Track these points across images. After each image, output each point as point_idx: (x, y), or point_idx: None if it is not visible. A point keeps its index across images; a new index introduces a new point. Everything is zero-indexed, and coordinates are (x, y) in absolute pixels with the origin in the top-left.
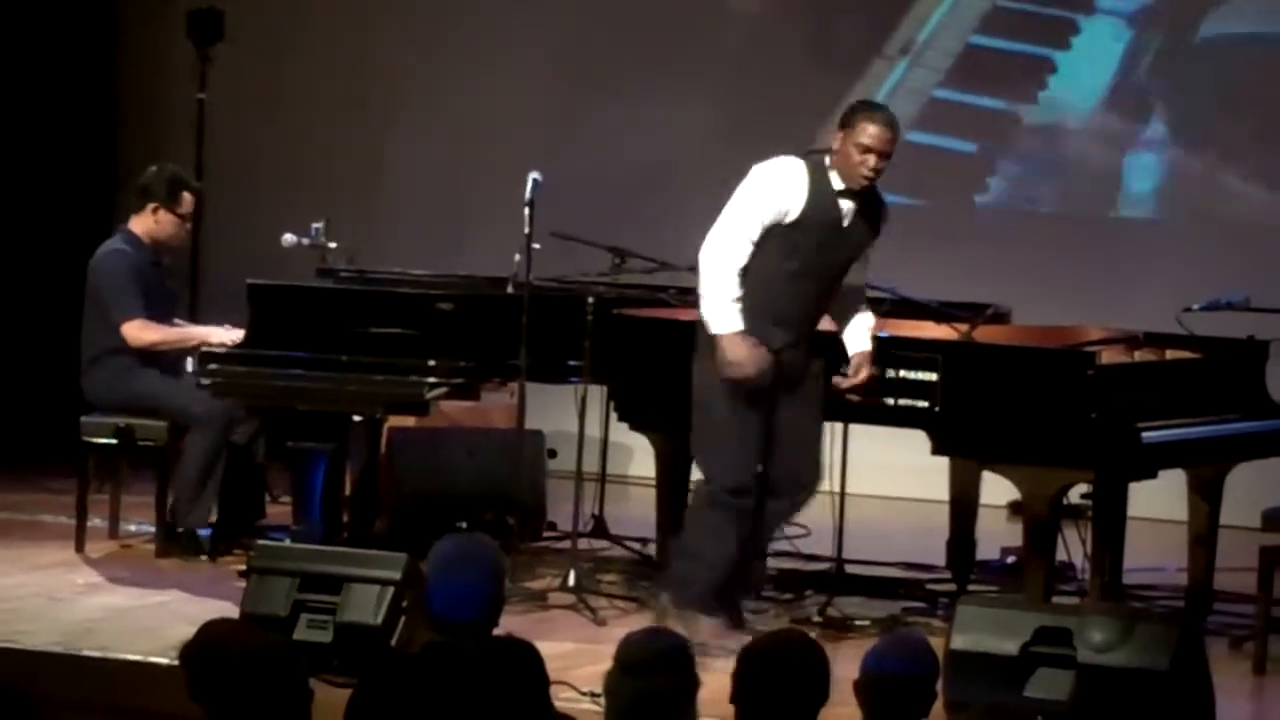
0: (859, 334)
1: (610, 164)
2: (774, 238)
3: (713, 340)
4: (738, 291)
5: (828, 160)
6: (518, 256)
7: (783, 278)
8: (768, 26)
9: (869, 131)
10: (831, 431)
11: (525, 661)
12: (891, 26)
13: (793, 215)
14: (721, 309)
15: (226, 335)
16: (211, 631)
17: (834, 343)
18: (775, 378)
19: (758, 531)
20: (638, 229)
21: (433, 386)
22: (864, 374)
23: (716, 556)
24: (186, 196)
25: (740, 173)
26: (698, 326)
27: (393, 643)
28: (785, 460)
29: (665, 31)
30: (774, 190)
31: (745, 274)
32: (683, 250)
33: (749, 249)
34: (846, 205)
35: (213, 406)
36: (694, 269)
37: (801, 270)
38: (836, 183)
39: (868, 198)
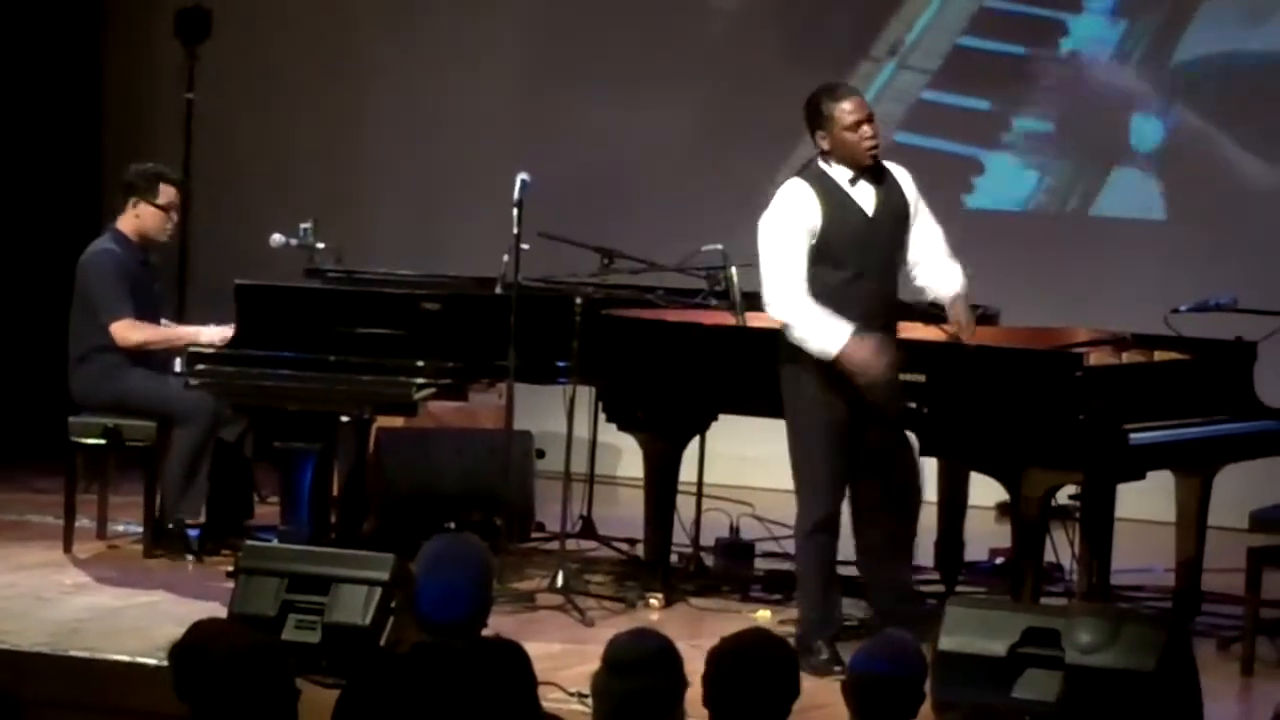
0: (948, 283)
1: (593, 163)
2: (817, 258)
3: (796, 373)
4: (820, 310)
5: (822, 164)
6: (506, 257)
7: (842, 288)
8: (749, 25)
9: (845, 108)
10: None
11: (512, 662)
12: (876, 27)
13: (816, 233)
14: (820, 333)
15: (215, 334)
16: (199, 631)
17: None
18: (849, 399)
19: (882, 564)
20: (621, 227)
21: (421, 387)
22: (963, 319)
23: (815, 589)
24: (164, 187)
25: (721, 171)
26: (780, 370)
27: (381, 643)
28: (876, 478)
29: (648, 30)
30: (791, 222)
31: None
32: (665, 248)
33: (803, 280)
34: (863, 193)
35: (200, 401)
36: (680, 269)
37: (856, 274)
38: (843, 177)
39: (879, 177)
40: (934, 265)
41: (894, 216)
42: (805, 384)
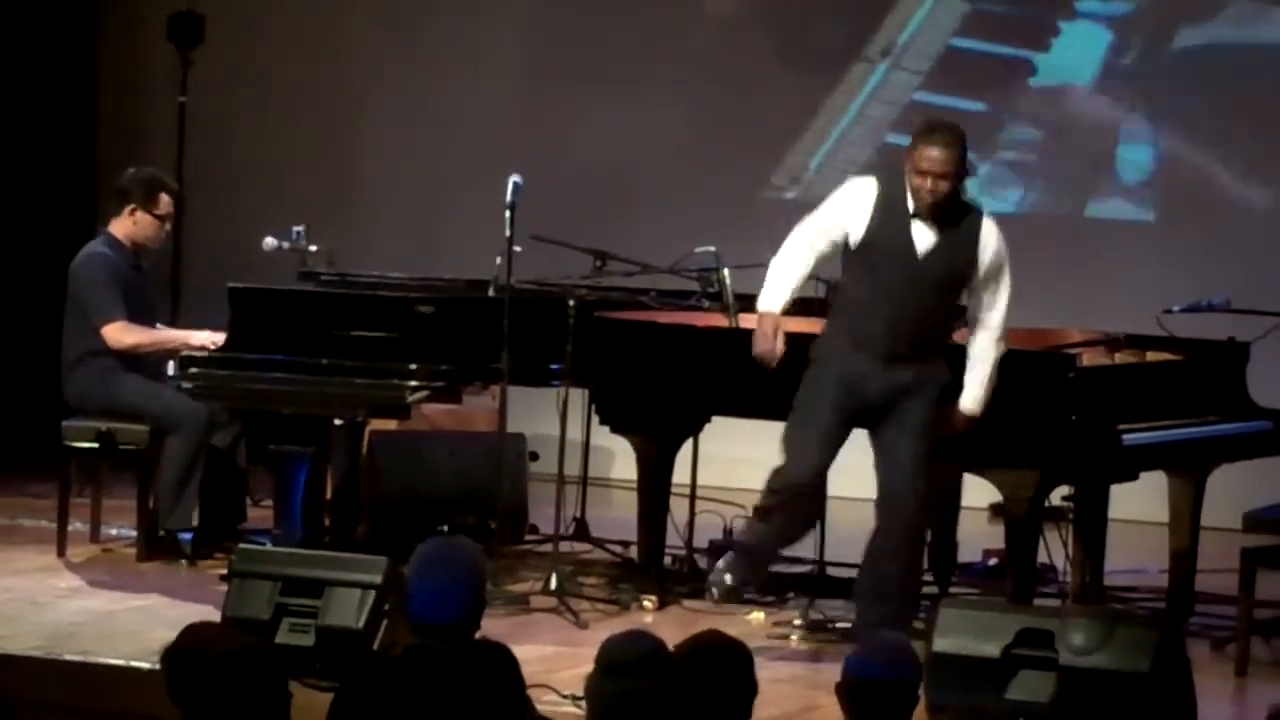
0: (967, 384)
1: (586, 165)
2: (851, 261)
3: (815, 372)
4: (783, 281)
5: (907, 178)
6: (499, 259)
7: (863, 301)
8: (743, 28)
9: (925, 155)
10: None
11: (501, 665)
12: (867, 29)
13: (856, 236)
14: (763, 292)
15: (208, 338)
16: (192, 634)
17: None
18: (861, 398)
19: (867, 565)
20: (615, 229)
21: (414, 390)
22: (947, 427)
23: (759, 531)
24: (164, 197)
25: (715, 173)
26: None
27: (374, 646)
28: (878, 479)
29: (642, 33)
30: (836, 205)
31: (837, 294)
32: (659, 250)
33: (806, 252)
34: (922, 230)
35: (193, 409)
36: (673, 271)
37: (880, 295)
38: (912, 205)
39: (959, 225)
40: (976, 337)
41: (947, 266)
42: (822, 379)
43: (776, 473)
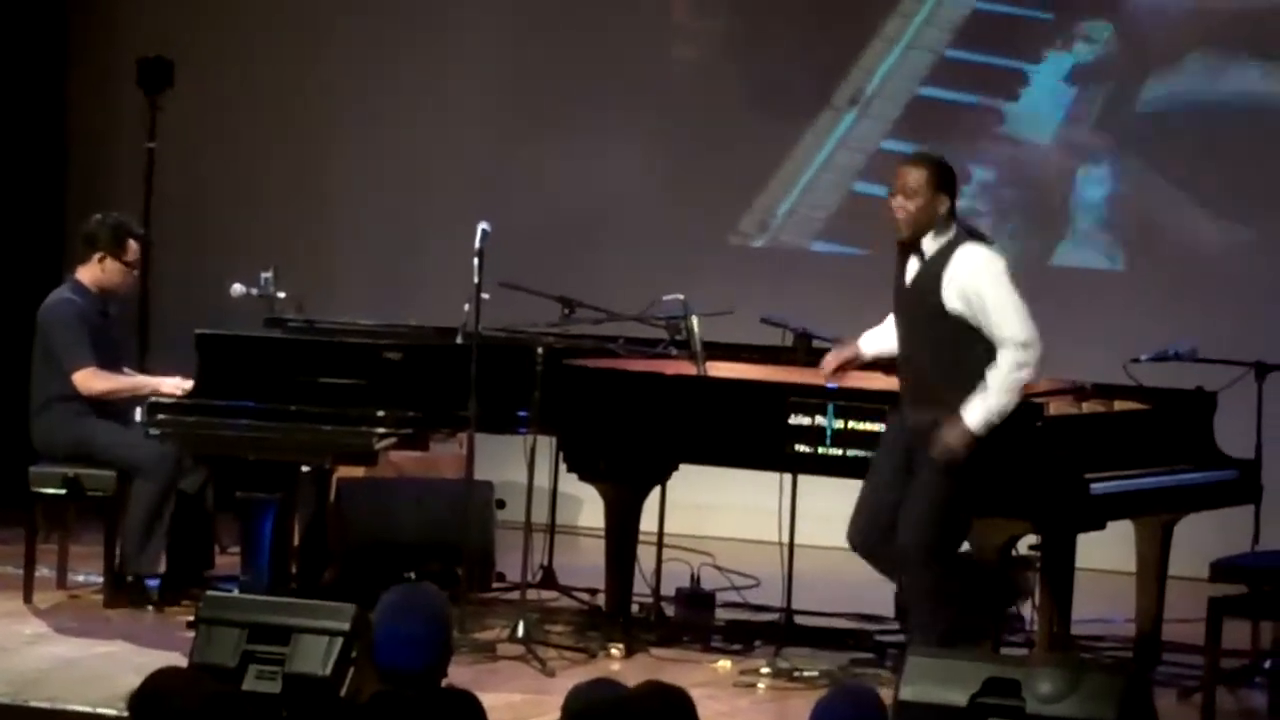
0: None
1: (554, 211)
2: None
3: None
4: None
5: None
6: (466, 306)
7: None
8: (711, 74)
9: (895, 174)
10: (780, 482)
11: (468, 712)
12: (836, 76)
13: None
14: None
15: (177, 385)
16: (159, 680)
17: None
18: (907, 444)
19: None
20: (582, 276)
21: (381, 436)
22: (938, 443)
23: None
24: (132, 244)
25: (682, 220)
26: None
27: (341, 693)
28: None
29: (609, 79)
30: None
31: None
32: (625, 296)
33: None
34: (912, 264)
35: (161, 453)
36: (641, 319)
37: (898, 342)
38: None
39: (937, 256)
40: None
41: (920, 294)
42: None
43: None
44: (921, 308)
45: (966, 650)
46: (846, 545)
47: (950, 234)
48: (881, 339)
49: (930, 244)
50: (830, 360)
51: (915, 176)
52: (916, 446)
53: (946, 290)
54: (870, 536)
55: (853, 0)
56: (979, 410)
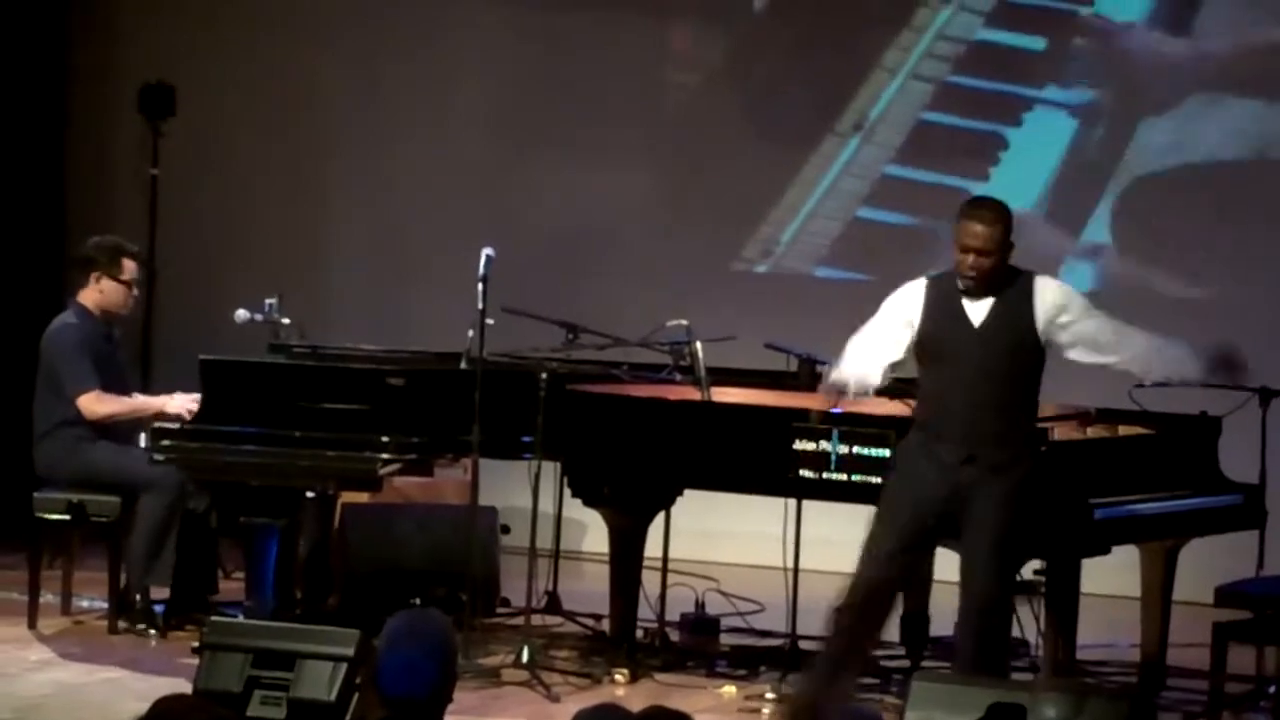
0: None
1: (555, 237)
2: (922, 358)
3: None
4: (851, 361)
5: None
6: (470, 331)
7: (932, 394)
8: (714, 100)
9: (968, 230)
10: (785, 507)
11: None
12: (839, 102)
13: (919, 328)
14: (835, 369)
15: (182, 403)
16: (164, 707)
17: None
18: (949, 495)
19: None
20: (583, 302)
21: (386, 462)
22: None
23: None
24: (127, 262)
25: (684, 245)
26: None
27: (346, 719)
28: (961, 575)
29: (612, 104)
30: (892, 305)
31: (917, 394)
32: (628, 321)
33: (871, 343)
34: (976, 305)
35: (165, 473)
36: (645, 344)
37: (950, 381)
38: (960, 284)
39: (1010, 292)
40: (1113, 355)
41: (1007, 335)
42: (900, 478)
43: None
44: (1008, 341)
45: (971, 676)
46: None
47: (1018, 269)
48: (858, 375)
49: (1000, 284)
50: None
51: (993, 235)
52: (978, 494)
53: (1040, 310)
54: (896, 570)
55: (854, 26)
56: (1169, 358)
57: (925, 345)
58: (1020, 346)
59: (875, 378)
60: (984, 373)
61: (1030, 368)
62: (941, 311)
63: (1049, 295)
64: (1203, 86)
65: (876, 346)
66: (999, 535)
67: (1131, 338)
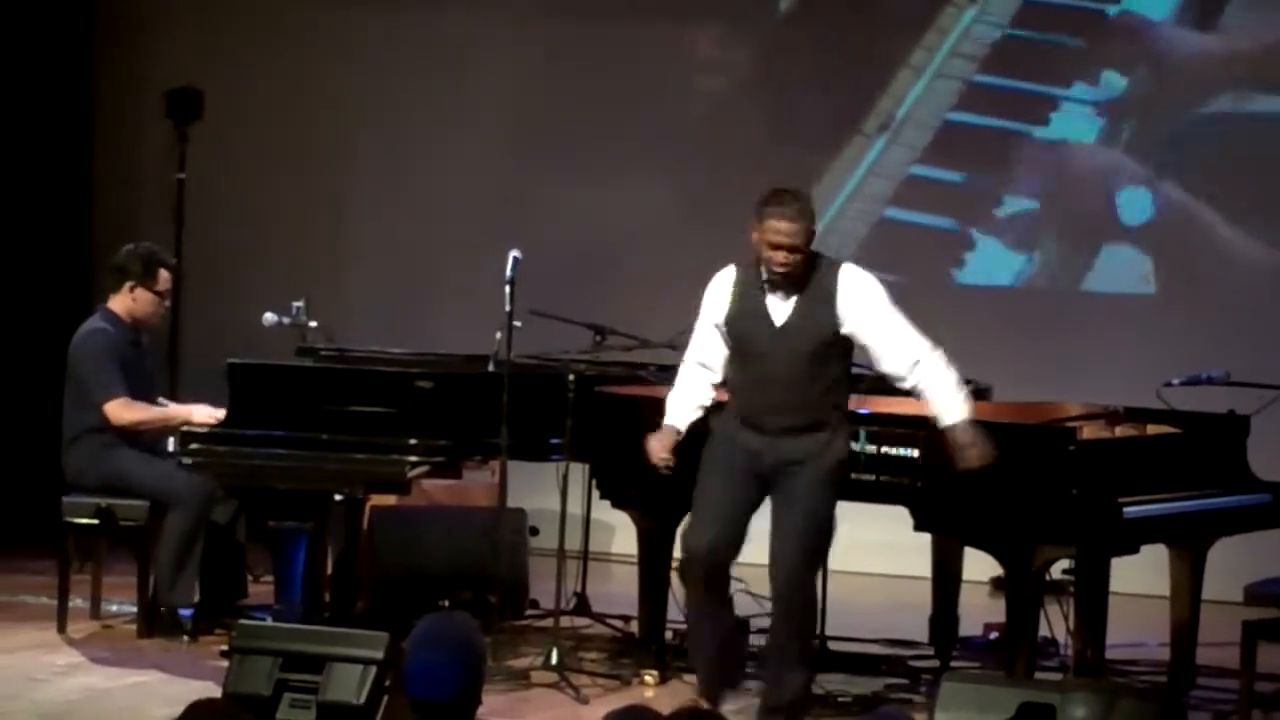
0: (939, 413)
1: (581, 240)
2: (730, 350)
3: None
4: (680, 392)
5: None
6: (498, 334)
7: (740, 383)
8: (737, 103)
9: (774, 228)
10: None
11: None
12: (863, 104)
13: (723, 320)
14: (669, 404)
15: (209, 414)
16: (198, 711)
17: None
18: (757, 472)
19: (769, 637)
20: (609, 304)
21: (413, 465)
22: (966, 455)
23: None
24: (163, 274)
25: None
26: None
27: None
28: (770, 556)
29: (634, 109)
30: (706, 299)
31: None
32: (649, 328)
33: (699, 352)
34: (779, 302)
35: (192, 485)
36: (672, 345)
37: (752, 372)
38: (765, 275)
39: (814, 284)
40: (909, 375)
41: (810, 326)
42: (713, 458)
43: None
44: (810, 335)
45: (1001, 676)
46: (878, 571)
47: (823, 256)
48: (688, 409)
49: (806, 275)
50: (657, 448)
51: (801, 229)
52: (786, 472)
53: (843, 308)
54: (726, 554)
55: (879, 30)
56: (960, 401)
57: (732, 335)
58: (823, 343)
59: (706, 397)
60: (788, 371)
61: (835, 361)
62: (744, 309)
63: (852, 287)
64: (1232, 84)
65: (700, 362)
66: (807, 522)
67: (931, 364)
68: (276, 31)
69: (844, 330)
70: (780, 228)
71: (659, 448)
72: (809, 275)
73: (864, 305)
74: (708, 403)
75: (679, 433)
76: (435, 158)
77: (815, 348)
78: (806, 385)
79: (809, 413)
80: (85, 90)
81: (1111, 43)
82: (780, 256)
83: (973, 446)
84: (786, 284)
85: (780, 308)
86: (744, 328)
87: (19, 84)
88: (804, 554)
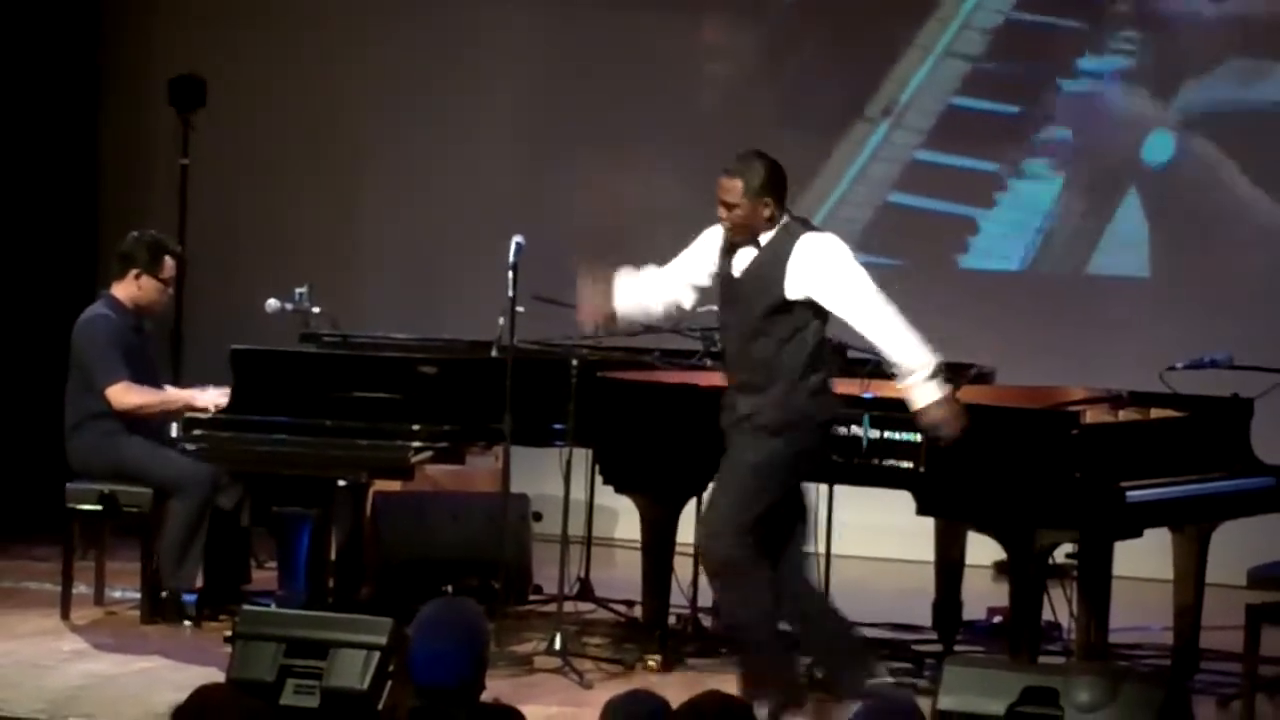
0: (890, 360)
1: (587, 227)
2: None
3: None
4: (641, 276)
5: None
6: (501, 319)
7: (721, 332)
8: (743, 90)
9: (718, 185)
10: (816, 492)
11: None
12: (868, 88)
13: (716, 253)
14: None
15: (212, 396)
16: (204, 695)
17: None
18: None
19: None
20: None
21: (417, 450)
22: (939, 432)
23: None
24: (168, 261)
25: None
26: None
27: (379, 708)
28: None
29: (640, 94)
30: (705, 233)
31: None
32: None
33: (680, 261)
34: (741, 258)
35: (196, 471)
36: (676, 330)
37: (721, 327)
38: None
39: (774, 247)
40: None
41: (756, 287)
42: None
43: None
44: (756, 291)
45: (1004, 660)
46: (881, 555)
47: (796, 223)
48: (637, 294)
49: (772, 238)
50: (588, 310)
51: (733, 186)
52: (732, 434)
53: (793, 271)
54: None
55: (883, 15)
56: (905, 353)
57: (717, 289)
58: (769, 304)
59: (655, 299)
60: (737, 323)
61: (785, 324)
62: (723, 258)
63: (806, 255)
64: (1240, 51)
65: (676, 268)
66: (725, 478)
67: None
68: (281, 18)
69: (791, 295)
70: (720, 183)
71: (590, 310)
72: (776, 238)
73: (815, 272)
74: (653, 305)
75: (611, 307)
76: (444, 144)
77: (761, 308)
78: (750, 341)
79: (751, 372)
80: (91, 78)
81: (1115, 25)
82: (721, 212)
83: (938, 429)
84: (744, 242)
85: (740, 263)
86: (721, 267)
87: (25, 71)
88: (715, 510)
